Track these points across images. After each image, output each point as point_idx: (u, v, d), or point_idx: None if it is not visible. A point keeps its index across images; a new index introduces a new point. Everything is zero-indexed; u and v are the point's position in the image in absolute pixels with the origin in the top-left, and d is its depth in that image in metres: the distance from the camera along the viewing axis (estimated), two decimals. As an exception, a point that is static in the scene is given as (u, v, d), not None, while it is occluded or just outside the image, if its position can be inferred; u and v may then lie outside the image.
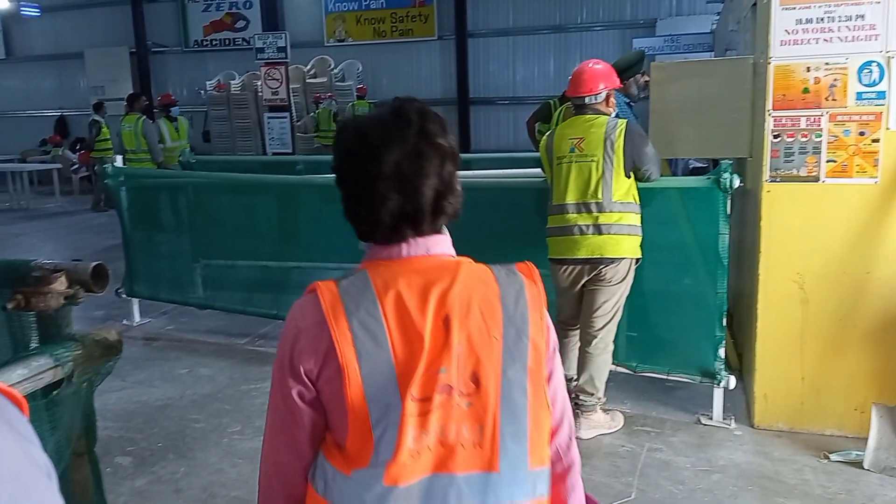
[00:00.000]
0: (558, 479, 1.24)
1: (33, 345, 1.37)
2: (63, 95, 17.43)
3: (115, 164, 5.60)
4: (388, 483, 1.04)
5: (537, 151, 5.77)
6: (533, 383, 1.12)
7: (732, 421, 3.57)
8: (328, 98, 12.93)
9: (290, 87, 9.96)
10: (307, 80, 13.78)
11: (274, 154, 8.96)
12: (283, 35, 8.57)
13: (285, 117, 8.97)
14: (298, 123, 12.50)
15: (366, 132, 1.13)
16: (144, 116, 9.15)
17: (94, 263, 1.32)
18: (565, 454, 1.24)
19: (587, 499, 1.32)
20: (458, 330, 1.08)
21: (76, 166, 14.40)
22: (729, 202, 3.44)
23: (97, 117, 11.97)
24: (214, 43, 16.21)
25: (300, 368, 1.10)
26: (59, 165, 14.07)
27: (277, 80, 8.71)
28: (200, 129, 13.41)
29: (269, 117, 9.02)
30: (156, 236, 6.05)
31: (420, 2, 14.63)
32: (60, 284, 1.29)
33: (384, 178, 1.10)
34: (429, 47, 14.86)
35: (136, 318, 5.51)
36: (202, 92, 14.82)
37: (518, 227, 4.32)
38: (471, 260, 1.19)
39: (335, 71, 14.17)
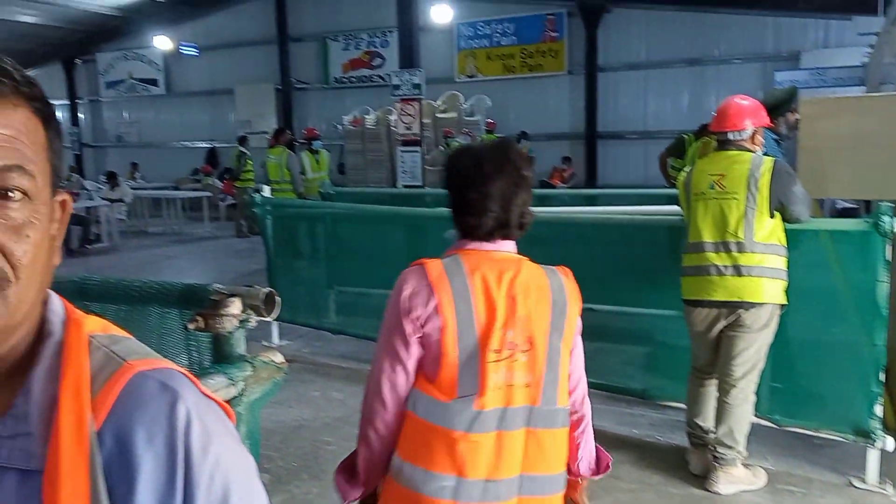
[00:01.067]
0: (573, 425, 1.67)
1: (206, 363, 1.49)
2: (214, 128, 18.85)
3: (262, 193, 5.98)
4: (477, 408, 1.48)
5: (670, 187, 5.63)
6: (565, 348, 1.58)
7: (889, 486, 3.27)
8: (464, 133, 13.24)
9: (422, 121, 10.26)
10: (437, 115, 14.16)
11: (405, 186, 9.25)
12: (419, 72, 8.88)
13: (417, 151, 9.25)
14: (427, 157, 12.86)
15: (481, 162, 1.58)
16: (288, 149, 9.75)
17: (266, 290, 1.41)
18: (579, 407, 1.68)
19: (598, 451, 1.74)
20: (521, 305, 1.53)
21: (222, 195, 15.48)
22: (889, 247, 3.19)
23: (244, 149, 12.84)
24: (352, 80, 17.04)
25: (413, 313, 1.51)
26: (208, 193, 15.18)
27: (411, 115, 9.01)
28: (336, 161, 14.07)
29: (402, 151, 9.33)
30: (295, 263, 6.39)
31: (551, 38, 14.74)
32: (235, 308, 1.39)
33: (492, 198, 1.55)
34: (557, 82, 14.90)
35: (276, 339, 5.81)
36: (339, 126, 15.58)
37: (650, 266, 4.21)
38: (528, 259, 1.63)
39: (465, 106, 14.47)
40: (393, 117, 14.03)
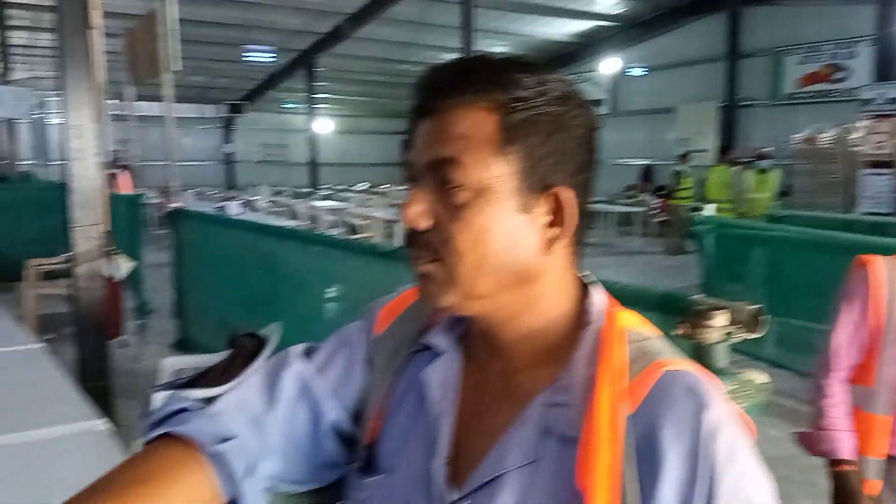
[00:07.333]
0: None
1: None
2: (652, 146, 19.14)
3: (705, 212, 5.87)
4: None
5: None
6: None
7: None
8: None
9: (896, 140, 8.87)
10: (914, 133, 12.06)
11: (867, 213, 8.10)
12: (900, 84, 7.70)
13: (888, 174, 8.01)
14: (896, 181, 11.06)
15: None
16: (733, 168, 9.39)
17: (755, 307, 1.37)
18: None
19: None
20: None
21: (655, 211, 15.62)
22: None
23: (681, 167, 12.72)
24: (807, 95, 15.58)
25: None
26: (641, 209, 15.49)
27: (885, 132, 7.85)
28: (780, 182, 13.02)
29: (867, 173, 8.19)
30: (730, 285, 6.09)
31: None
32: (721, 321, 1.38)
33: None
34: None
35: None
36: (787, 145, 14.38)
37: None
38: None
39: (955, 122, 12.03)
40: (855, 136, 12.41)
